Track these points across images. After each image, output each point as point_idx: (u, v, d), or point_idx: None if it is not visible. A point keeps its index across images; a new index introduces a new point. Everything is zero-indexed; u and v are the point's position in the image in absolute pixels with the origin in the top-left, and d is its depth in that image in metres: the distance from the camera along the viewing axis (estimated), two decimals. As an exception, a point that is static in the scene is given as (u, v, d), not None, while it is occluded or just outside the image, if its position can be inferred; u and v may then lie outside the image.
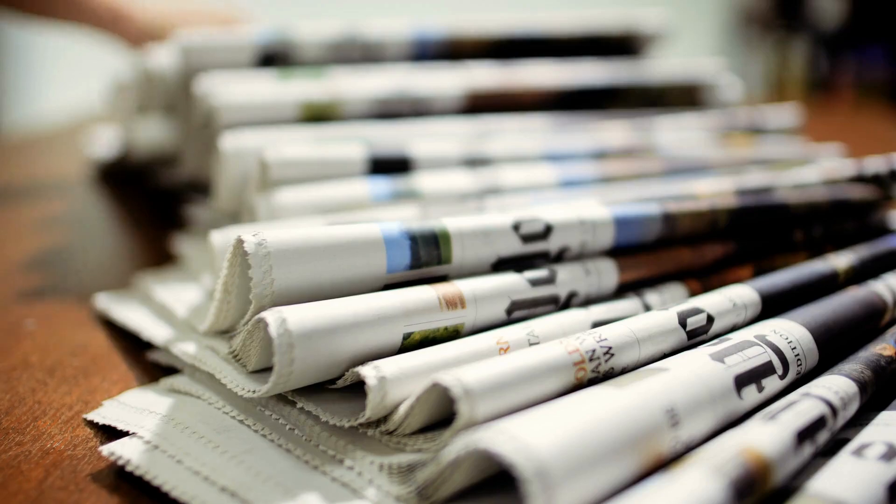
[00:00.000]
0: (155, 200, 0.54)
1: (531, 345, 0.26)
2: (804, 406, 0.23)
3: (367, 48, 0.48)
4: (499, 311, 0.27)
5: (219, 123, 0.40)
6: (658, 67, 0.53)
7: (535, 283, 0.28)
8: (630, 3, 1.10)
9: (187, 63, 0.44)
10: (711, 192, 0.36)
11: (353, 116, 0.43)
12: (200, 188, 0.46)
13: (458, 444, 0.20)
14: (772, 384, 0.24)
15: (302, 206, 0.35)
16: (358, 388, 0.25)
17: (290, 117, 0.41)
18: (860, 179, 0.38)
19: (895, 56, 2.17)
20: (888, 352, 0.27)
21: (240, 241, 0.25)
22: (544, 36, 0.53)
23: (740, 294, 0.29)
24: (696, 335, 0.27)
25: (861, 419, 0.24)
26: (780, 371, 0.25)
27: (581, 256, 0.31)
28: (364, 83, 0.43)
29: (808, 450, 0.22)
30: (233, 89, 0.41)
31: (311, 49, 0.46)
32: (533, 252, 0.29)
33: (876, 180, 0.38)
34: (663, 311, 0.27)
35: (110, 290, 0.37)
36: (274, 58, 0.46)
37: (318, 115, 0.42)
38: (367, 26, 0.48)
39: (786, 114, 0.52)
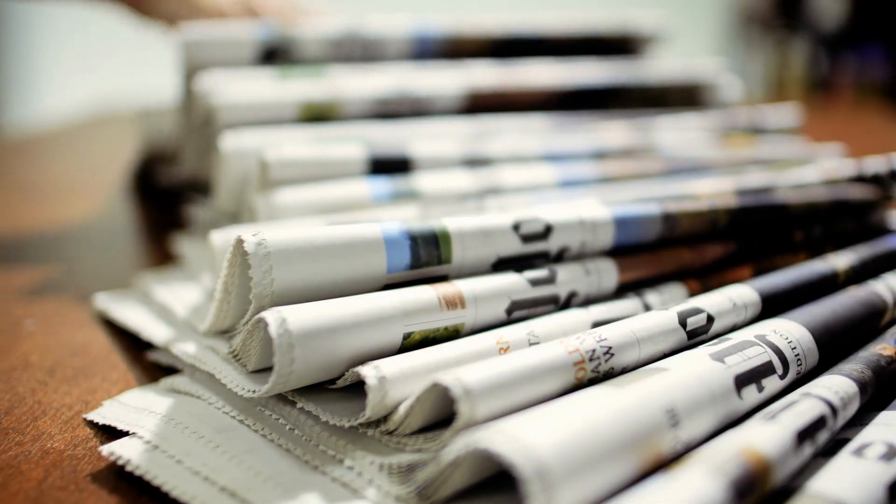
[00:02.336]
0: (155, 200, 0.54)
1: (531, 345, 0.26)
2: (804, 406, 0.23)
3: (367, 46, 0.48)
4: (499, 311, 0.27)
5: (219, 123, 0.40)
6: (658, 67, 0.53)
7: (535, 283, 0.28)
8: (631, 4, 1.10)
9: (188, 57, 0.44)
10: (711, 192, 0.36)
11: (353, 116, 0.43)
12: (200, 188, 0.46)
13: (457, 444, 0.20)
14: (772, 384, 0.24)
15: (302, 206, 0.35)
16: (358, 388, 0.25)
17: (290, 117, 0.41)
18: (860, 179, 0.38)
19: (895, 56, 2.17)
20: (888, 352, 0.27)
21: (240, 241, 0.25)
22: (544, 36, 0.53)
23: (740, 294, 0.29)
24: (696, 335, 0.27)
25: (861, 419, 0.24)
26: (780, 371, 0.25)
27: (581, 256, 0.31)
28: (364, 83, 0.43)
29: (808, 450, 0.22)
30: (233, 88, 0.41)
31: (312, 45, 0.46)
32: (533, 252, 0.29)
33: (876, 180, 0.38)
34: (663, 311, 0.27)
35: (110, 290, 0.37)
36: (275, 53, 0.46)
37: (318, 115, 0.42)
38: (367, 24, 0.48)
39: (786, 114, 0.52)
